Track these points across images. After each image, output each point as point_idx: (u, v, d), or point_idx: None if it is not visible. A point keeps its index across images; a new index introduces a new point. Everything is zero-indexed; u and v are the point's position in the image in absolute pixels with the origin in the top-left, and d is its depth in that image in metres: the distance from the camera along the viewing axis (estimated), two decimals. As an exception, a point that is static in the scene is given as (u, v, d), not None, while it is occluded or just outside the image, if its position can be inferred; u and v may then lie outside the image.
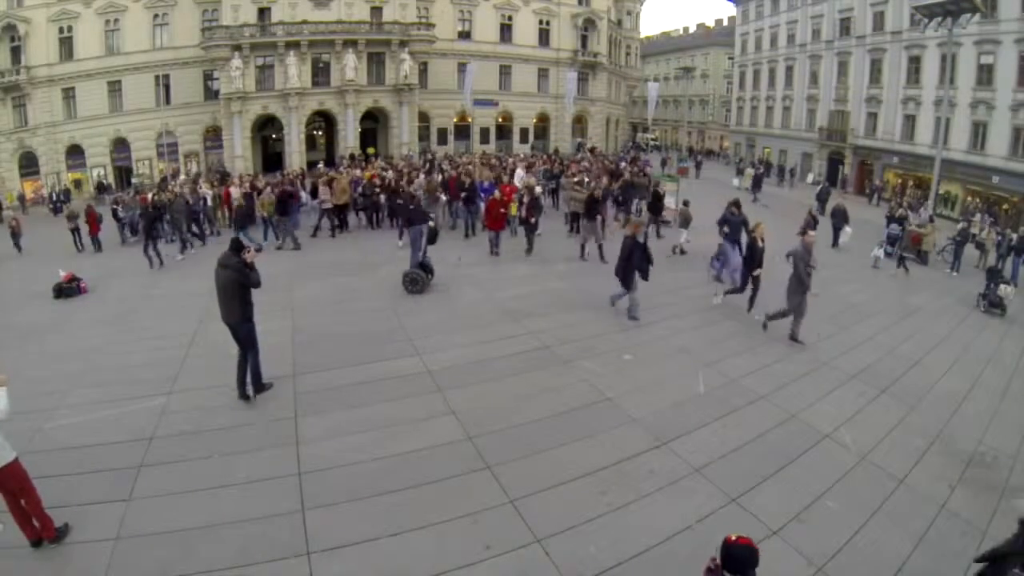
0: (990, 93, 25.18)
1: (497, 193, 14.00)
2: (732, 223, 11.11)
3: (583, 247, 12.63)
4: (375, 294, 10.22)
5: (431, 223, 10.78)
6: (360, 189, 16.85)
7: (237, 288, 5.99)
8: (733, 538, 2.85)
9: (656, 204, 15.16)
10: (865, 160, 33.07)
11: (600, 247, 12.27)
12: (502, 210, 12.98)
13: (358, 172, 19.39)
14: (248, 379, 6.25)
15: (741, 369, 7.37)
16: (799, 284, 8.23)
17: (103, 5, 29.41)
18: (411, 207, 11.67)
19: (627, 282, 8.70)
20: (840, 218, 16.63)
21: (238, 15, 28.72)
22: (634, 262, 8.57)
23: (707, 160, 42.01)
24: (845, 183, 33.17)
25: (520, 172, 19.29)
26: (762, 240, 9.15)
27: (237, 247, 6.09)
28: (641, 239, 8.87)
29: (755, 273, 9.21)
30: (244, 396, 6.24)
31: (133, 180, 29.56)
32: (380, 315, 9.05)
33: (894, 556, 4.31)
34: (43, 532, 4.07)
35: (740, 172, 32.57)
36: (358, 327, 8.51)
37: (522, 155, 28.63)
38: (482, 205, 14.36)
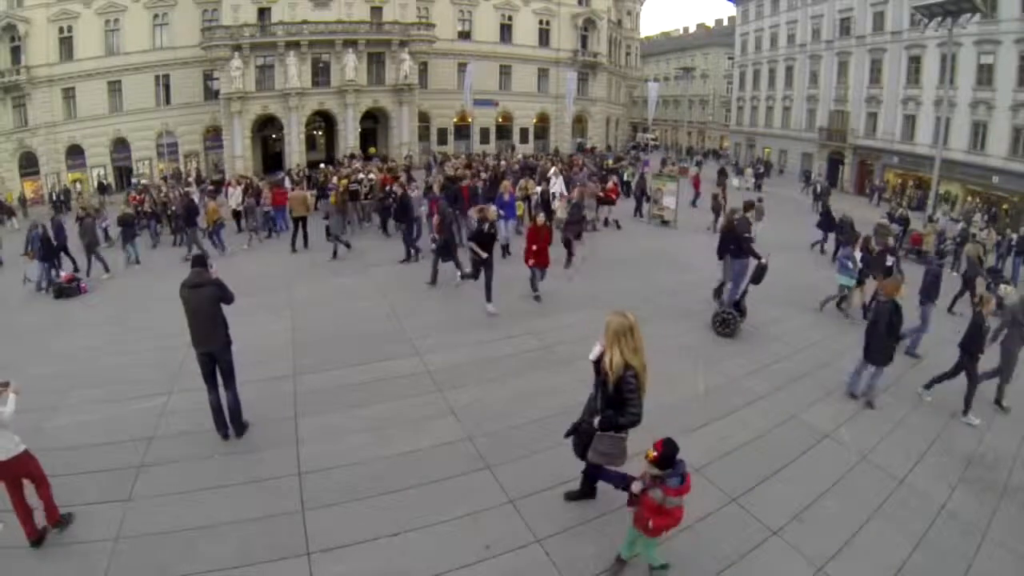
0: (990, 93, 25.20)
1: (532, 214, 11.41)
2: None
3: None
4: (374, 294, 10.21)
5: (761, 260, 8.72)
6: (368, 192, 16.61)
7: (216, 307, 5.40)
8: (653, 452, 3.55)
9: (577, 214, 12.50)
10: (865, 160, 33.09)
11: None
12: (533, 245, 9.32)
13: (367, 172, 18.91)
14: (227, 417, 5.53)
15: (741, 369, 7.37)
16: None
17: (103, 5, 29.43)
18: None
19: (876, 356, 6.65)
20: (849, 229, 13.12)
21: (238, 15, 28.74)
22: (880, 329, 6.56)
23: (707, 160, 42.02)
24: (833, 183, 32.49)
25: (556, 180, 16.52)
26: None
27: (203, 262, 5.53)
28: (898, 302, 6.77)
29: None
30: (227, 436, 5.52)
31: (133, 180, 29.58)
32: (380, 315, 9.04)
33: (894, 556, 4.31)
34: (48, 518, 4.24)
35: (740, 172, 32.59)
36: (358, 327, 8.51)
37: (520, 156, 28.60)
38: (504, 227, 12.13)
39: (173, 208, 16.39)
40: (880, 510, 4.82)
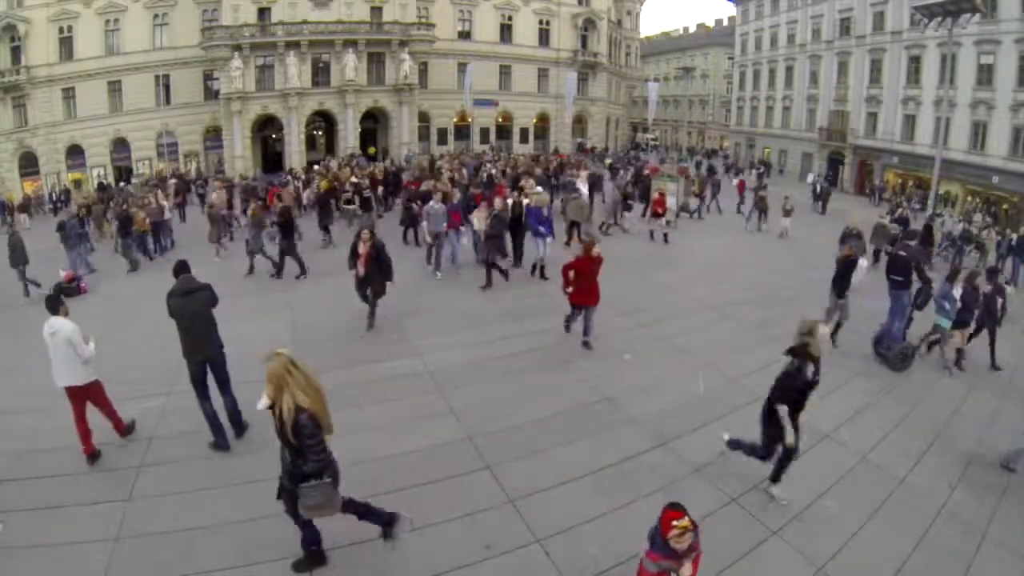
0: (990, 93, 25.21)
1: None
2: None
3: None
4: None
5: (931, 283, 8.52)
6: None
7: (211, 312, 5.28)
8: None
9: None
10: (865, 160, 33.09)
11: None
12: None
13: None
14: (226, 420, 5.41)
15: (741, 369, 7.36)
16: None
17: (103, 5, 29.44)
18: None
19: None
20: (856, 244, 11.37)
21: (238, 15, 28.75)
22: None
23: (706, 160, 41.92)
24: (834, 183, 32.35)
25: (582, 187, 15.59)
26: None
27: (187, 268, 5.38)
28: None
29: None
30: (225, 445, 5.29)
31: (133, 180, 29.58)
32: (380, 315, 9.04)
33: (894, 556, 4.31)
34: (116, 429, 5.42)
35: (740, 172, 32.56)
36: (358, 327, 8.50)
37: (521, 156, 28.62)
38: (544, 247, 10.76)
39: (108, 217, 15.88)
40: (880, 510, 4.82)
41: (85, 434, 5.13)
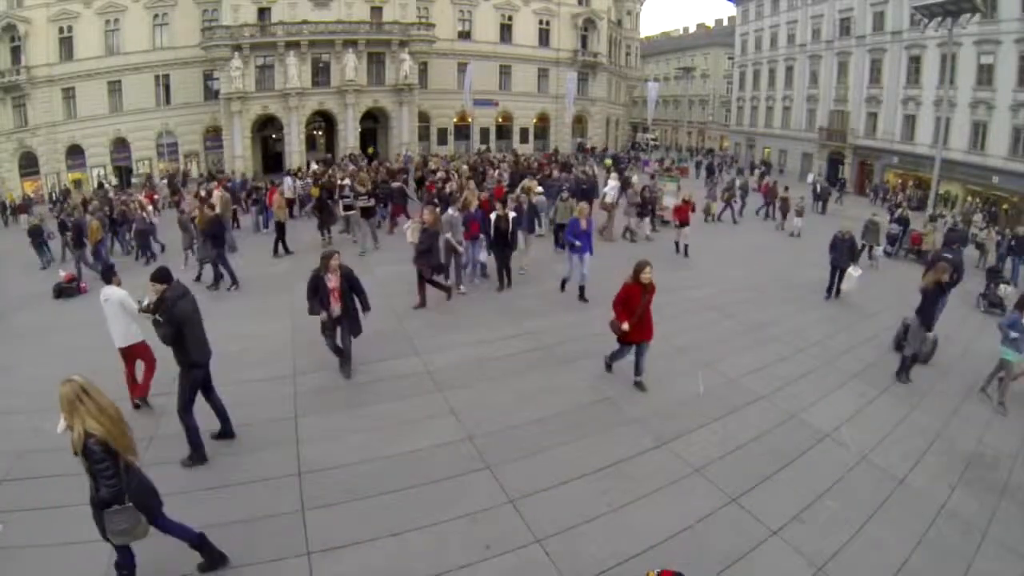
0: (990, 93, 25.21)
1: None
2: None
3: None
4: (376, 294, 10.20)
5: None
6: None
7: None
8: (655, 573, 2.67)
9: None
10: (865, 160, 33.10)
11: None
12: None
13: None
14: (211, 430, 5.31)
15: (741, 369, 7.36)
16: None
17: (103, 5, 29.44)
18: None
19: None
20: (845, 251, 10.95)
21: (238, 15, 28.75)
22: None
23: (705, 160, 41.88)
24: (834, 183, 32.17)
25: (613, 183, 15.50)
26: None
27: (170, 273, 5.14)
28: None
29: None
30: (204, 457, 5.12)
31: (133, 180, 29.59)
32: (379, 315, 9.03)
33: (894, 556, 4.31)
34: (139, 391, 6.09)
35: (740, 172, 32.56)
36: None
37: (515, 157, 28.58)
38: (582, 264, 9.52)
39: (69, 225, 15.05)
40: (880, 510, 4.82)
41: (133, 387, 6.03)
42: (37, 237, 14.49)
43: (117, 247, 15.36)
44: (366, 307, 6.70)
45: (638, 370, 6.66)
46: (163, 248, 14.66)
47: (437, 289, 9.22)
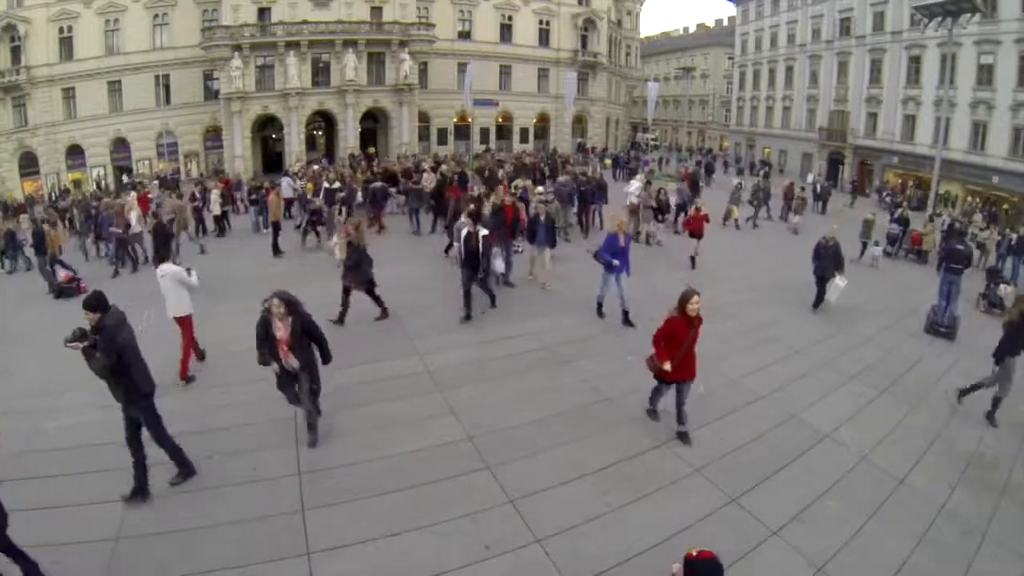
0: (990, 93, 25.20)
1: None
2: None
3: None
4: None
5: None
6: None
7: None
8: (695, 553, 2.67)
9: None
10: (865, 160, 33.09)
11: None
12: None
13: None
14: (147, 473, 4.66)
15: (741, 369, 7.37)
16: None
17: (103, 5, 29.43)
18: None
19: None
20: (830, 259, 10.18)
21: (238, 15, 28.74)
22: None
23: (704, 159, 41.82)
24: (834, 183, 32.09)
25: (638, 184, 14.99)
26: None
27: (103, 301, 4.68)
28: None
29: None
30: (145, 493, 4.60)
31: (124, 180, 29.55)
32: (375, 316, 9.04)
33: (894, 556, 4.31)
34: (183, 374, 6.78)
35: (740, 172, 32.56)
36: (358, 327, 8.50)
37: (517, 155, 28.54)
38: (616, 284, 8.48)
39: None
40: (880, 510, 4.82)
41: (187, 353, 6.82)
42: (10, 240, 13.96)
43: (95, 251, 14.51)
44: (326, 358, 5.43)
45: (680, 418, 5.67)
46: (147, 258, 13.08)
47: (344, 305, 8.45)
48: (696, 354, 5.56)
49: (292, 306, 5.10)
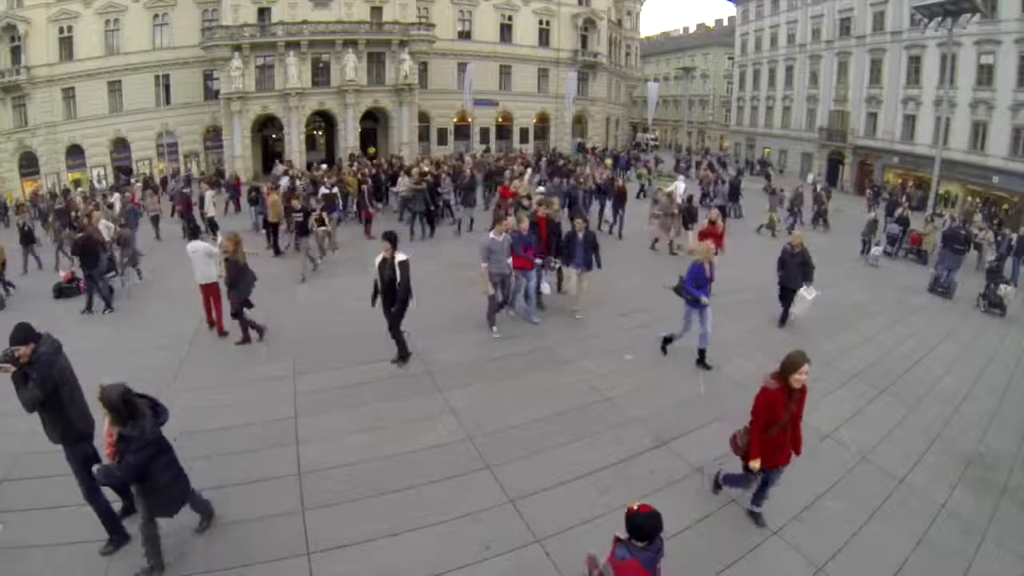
0: (990, 93, 25.20)
1: None
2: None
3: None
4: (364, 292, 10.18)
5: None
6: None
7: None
8: (635, 507, 2.97)
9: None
10: (865, 160, 33.09)
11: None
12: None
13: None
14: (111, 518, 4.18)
15: (741, 369, 7.36)
16: None
17: (103, 5, 29.42)
18: None
19: None
20: (797, 268, 8.95)
21: (238, 15, 28.72)
22: None
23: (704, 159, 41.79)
24: (833, 183, 32.12)
25: (682, 184, 14.59)
26: None
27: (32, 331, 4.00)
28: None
29: None
30: (126, 537, 4.14)
31: (132, 179, 29.56)
32: (380, 315, 9.02)
33: (894, 556, 4.31)
34: (219, 329, 8.31)
35: (740, 172, 32.51)
36: (357, 327, 8.49)
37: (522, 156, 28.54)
38: (702, 321, 7.25)
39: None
40: (880, 510, 4.82)
41: (209, 315, 8.40)
42: None
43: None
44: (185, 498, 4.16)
45: (758, 499, 4.59)
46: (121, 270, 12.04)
47: (244, 332, 7.91)
48: (801, 435, 4.39)
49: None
